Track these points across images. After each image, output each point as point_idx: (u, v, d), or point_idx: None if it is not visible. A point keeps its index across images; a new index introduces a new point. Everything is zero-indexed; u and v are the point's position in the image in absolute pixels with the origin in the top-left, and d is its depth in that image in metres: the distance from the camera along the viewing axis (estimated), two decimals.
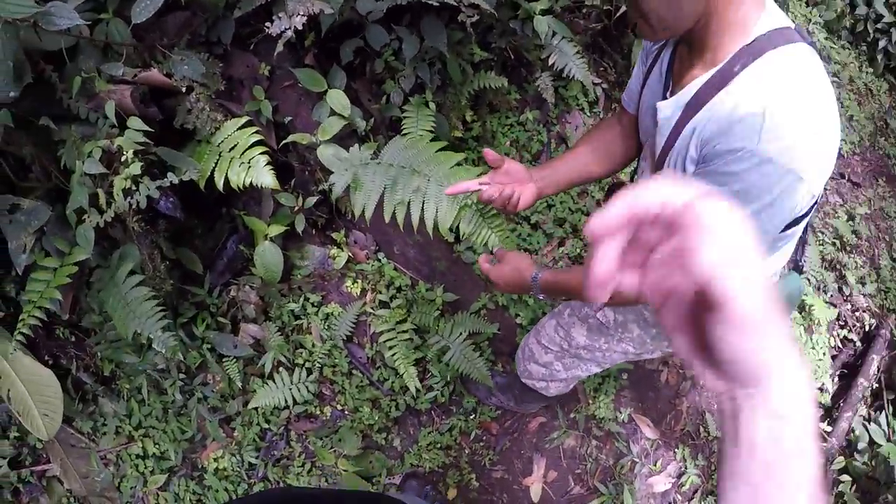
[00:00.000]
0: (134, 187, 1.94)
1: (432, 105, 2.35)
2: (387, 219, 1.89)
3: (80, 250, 2.04)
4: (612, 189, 1.70)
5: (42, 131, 2.05)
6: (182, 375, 2.35)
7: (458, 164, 1.94)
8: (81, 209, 2.00)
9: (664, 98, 1.33)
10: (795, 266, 1.52)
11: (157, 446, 2.40)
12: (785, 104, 1.06)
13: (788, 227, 1.24)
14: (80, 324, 2.30)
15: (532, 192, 1.59)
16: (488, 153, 1.57)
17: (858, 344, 3.03)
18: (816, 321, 2.87)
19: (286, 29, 2.03)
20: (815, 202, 1.22)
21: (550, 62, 2.51)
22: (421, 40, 2.24)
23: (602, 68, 2.79)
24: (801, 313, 2.89)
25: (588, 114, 2.75)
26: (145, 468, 2.40)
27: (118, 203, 1.95)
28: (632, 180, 1.68)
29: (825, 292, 3.01)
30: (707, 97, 1.16)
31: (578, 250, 2.57)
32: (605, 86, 2.76)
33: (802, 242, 1.49)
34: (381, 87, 2.43)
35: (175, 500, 2.39)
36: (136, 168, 1.91)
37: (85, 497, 2.45)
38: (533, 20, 2.42)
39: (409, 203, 1.89)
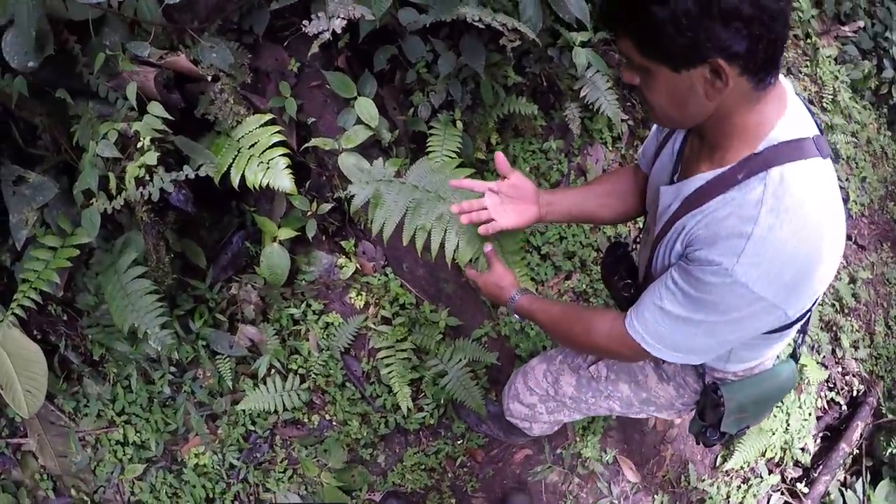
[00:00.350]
0: (147, 177, 1.88)
1: (460, 124, 2.31)
2: (405, 242, 1.84)
3: (83, 233, 1.97)
4: (613, 247, 1.69)
5: (58, 103, 1.98)
6: (173, 368, 2.29)
7: None
8: (90, 191, 1.93)
9: (671, 182, 1.33)
10: (793, 353, 1.52)
11: (138, 434, 2.34)
12: (774, 232, 1.04)
13: (780, 329, 1.23)
14: (75, 302, 2.23)
15: (532, 215, 1.60)
16: (500, 159, 1.59)
17: (844, 408, 3.05)
18: (807, 380, 2.88)
19: (324, 30, 1.97)
20: (809, 310, 1.21)
21: (582, 94, 2.47)
22: (457, 57, 2.19)
23: (630, 104, 2.75)
24: None
25: (610, 148, 2.72)
26: (124, 455, 2.34)
27: (129, 191, 1.89)
28: (635, 242, 1.66)
29: (818, 353, 3.02)
30: (705, 198, 1.15)
31: (584, 285, 2.55)
32: (630, 122, 2.73)
33: (803, 331, 1.48)
34: (408, 97, 2.37)
35: (151, 490, 2.34)
36: (151, 157, 1.84)
37: (59, 476, 2.39)
38: (572, 51, 2.38)
39: (430, 230, 1.84)
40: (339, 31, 1.96)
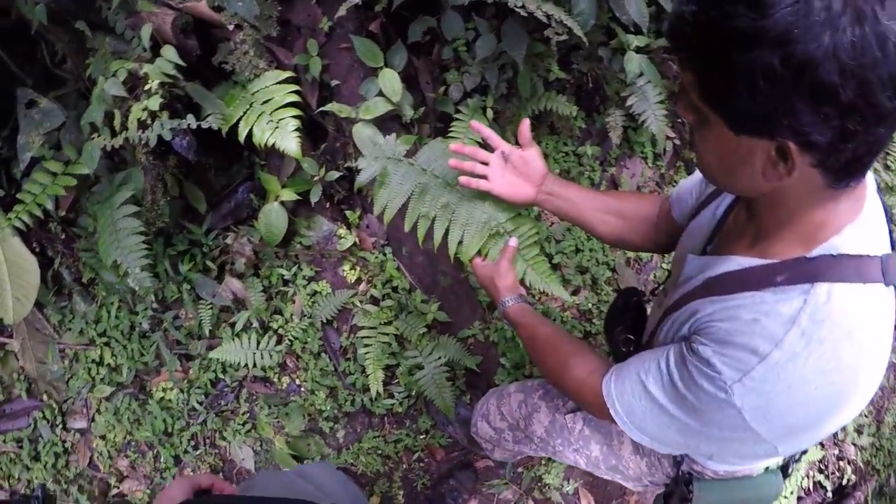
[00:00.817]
0: (149, 120, 1.83)
1: (490, 112, 2.17)
2: (406, 228, 1.72)
3: (82, 165, 1.95)
4: (627, 293, 1.55)
5: (78, 32, 1.93)
6: (155, 305, 2.29)
7: None
8: (95, 125, 1.90)
9: (703, 251, 1.17)
10: (784, 466, 1.37)
11: (114, 358, 2.38)
12: (795, 364, 0.86)
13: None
14: (76, 223, 2.24)
15: (527, 195, 1.50)
16: (524, 126, 1.46)
17: (829, 495, 2.85)
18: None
19: None
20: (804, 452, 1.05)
21: (628, 102, 2.29)
22: (498, 41, 2.04)
23: (680, 121, 2.55)
24: None
25: (650, 165, 2.55)
26: (97, 374, 2.39)
27: (130, 132, 1.84)
28: (652, 293, 1.53)
29: None
30: (731, 288, 0.97)
31: (590, 304, 2.43)
32: (677, 141, 2.54)
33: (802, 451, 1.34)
34: (443, 73, 2.24)
35: (115, 413, 2.39)
36: (154, 102, 1.79)
37: (35, 380, 2.46)
38: (625, 55, 2.20)
39: (433, 218, 1.72)
40: None
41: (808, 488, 2.77)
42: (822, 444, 2.80)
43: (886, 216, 0.98)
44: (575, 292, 2.44)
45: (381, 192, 1.80)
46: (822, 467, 2.83)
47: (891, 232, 0.97)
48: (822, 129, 0.74)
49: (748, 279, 0.94)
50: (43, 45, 2.06)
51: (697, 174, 1.33)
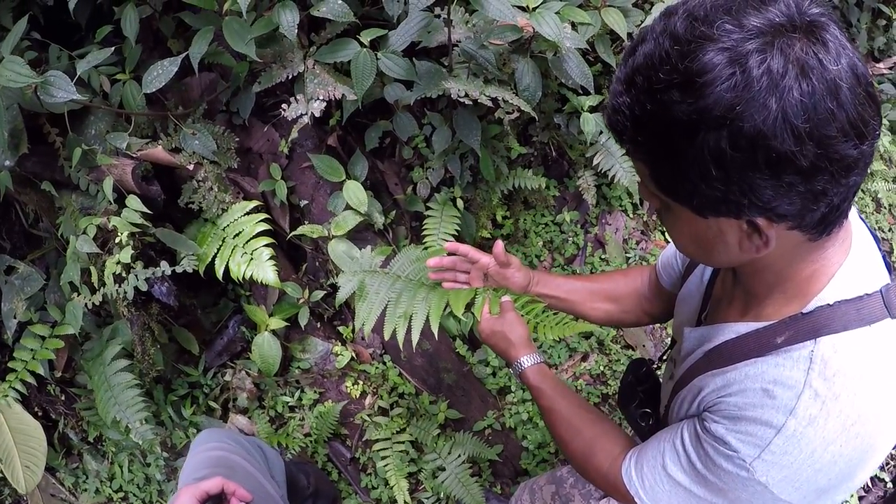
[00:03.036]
0: (124, 273, 1.84)
1: (460, 203, 2.18)
2: (386, 337, 1.69)
3: (67, 326, 1.95)
4: (635, 365, 1.49)
5: (45, 193, 1.97)
6: (165, 454, 2.24)
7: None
8: (73, 284, 1.91)
9: (698, 322, 1.12)
10: None
11: None
12: (815, 428, 0.80)
13: None
14: (74, 382, 2.22)
15: (515, 286, 1.47)
16: (498, 250, 1.41)
17: (890, 485, 2.72)
18: None
19: (302, 114, 1.89)
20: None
21: (595, 161, 2.30)
22: (454, 132, 2.06)
23: None
24: None
25: (631, 216, 2.54)
26: None
27: (108, 287, 1.85)
28: (661, 360, 1.47)
29: None
30: (731, 359, 0.91)
31: (602, 367, 2.36)
32: None
33: None
34: (409, 172, 2.27)
35: None
36: (126, 255, 1.80)
37: None
38: (580, 117, 2.22)
39: (411, 316, 1.68)
40: (317, 114, 1.88)
41: (867, 485, 2.63)
42: None
43: (875, 241, 0.93)
44: (584, 358, 2.38)
45: (361, 305, 1.78)
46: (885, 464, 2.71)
47: (884, 256, 0.92)
48: (788, 199, 0.70)
49: (747, 346, 0.90)
50: (17, 206, 2.10)
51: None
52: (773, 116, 0.64)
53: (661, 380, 1.38)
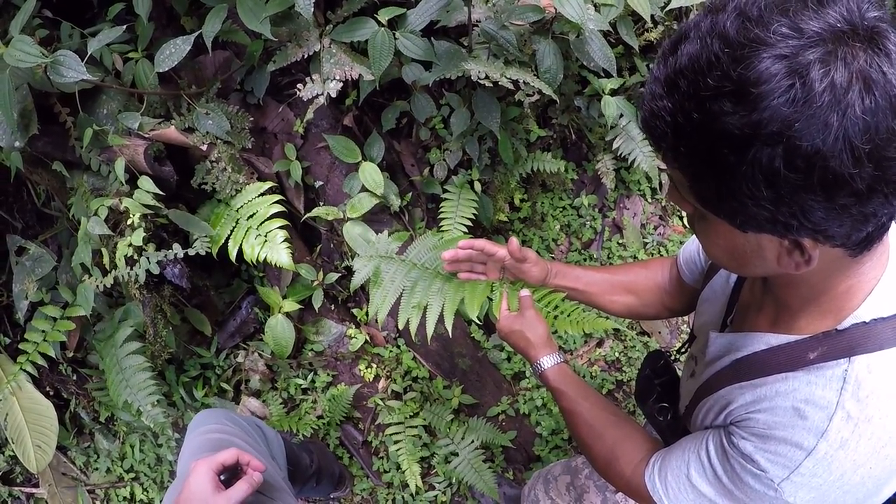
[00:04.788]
0: (136, 255, 1.81)
1: (477, 185, 2.14)
2: (399, 326, 1.66)
3: (79, 307, 1.93)
4: (653, 357, 1.46)
5: (57, 173, 1.94)
6: (177, 435, 2.24)
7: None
8: (85, 266, 1.89)
9: (723, 326, 1.07)
10: None
11: (145, 493, 2.33)
12: (846, 452, 0.77)
13: None
14: (86, 361, 2.22)
15: (533, 279, 1.43)
16: (513, 246, 1.36)
17: None
18: None
19: (318, 94, 1.84)
20: None
21: (615, 145, 2.25)
22: (472, 113, 2.01)
23: None
24: None
25: (649, 200, 2.49)
26: None
27: (119, 269, 1.82)
28: (679, 352, 1.44)
29: None
30: (761, 371, 0.87)
31: (617, 353, 2.34)
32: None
33: None
34: (426, 153, 2.22)
35: None
36: (138, 237, 1.78)
37: None
38: (601, 100, 2.17)
39: (425, 307, 1.65)
40: (334, 94, 1.83)
41: None
42: None
43: None
44: (599, 344, 2.36)
45: (375, 291, 1.75)
46: None
47: None
48: (839, 221, 0.65)
49: (778, 359, 0.86)
50: (29, 186, 2.08)
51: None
52: (833, 135, 0.59)
53: (679, 373, 1.35)
